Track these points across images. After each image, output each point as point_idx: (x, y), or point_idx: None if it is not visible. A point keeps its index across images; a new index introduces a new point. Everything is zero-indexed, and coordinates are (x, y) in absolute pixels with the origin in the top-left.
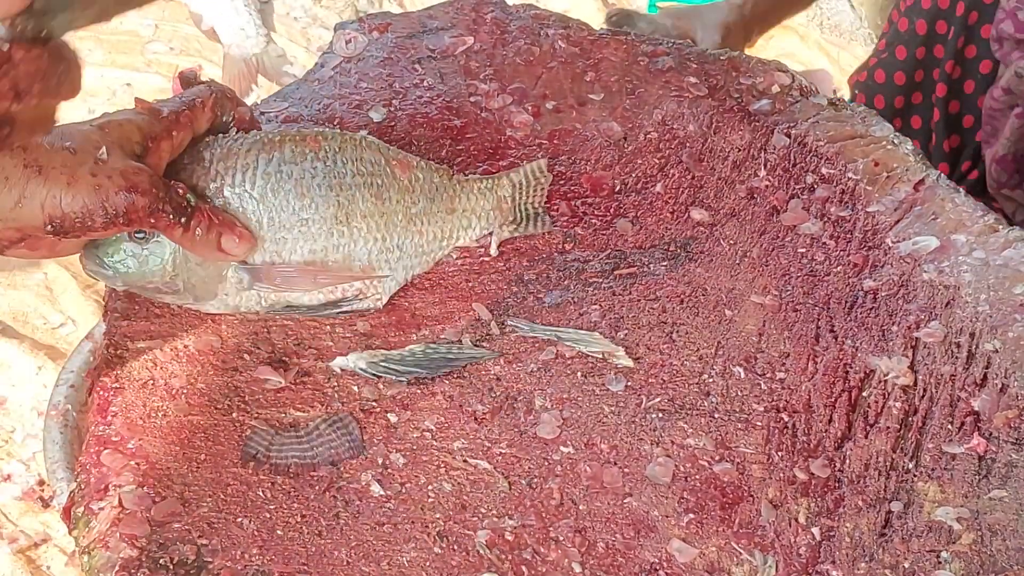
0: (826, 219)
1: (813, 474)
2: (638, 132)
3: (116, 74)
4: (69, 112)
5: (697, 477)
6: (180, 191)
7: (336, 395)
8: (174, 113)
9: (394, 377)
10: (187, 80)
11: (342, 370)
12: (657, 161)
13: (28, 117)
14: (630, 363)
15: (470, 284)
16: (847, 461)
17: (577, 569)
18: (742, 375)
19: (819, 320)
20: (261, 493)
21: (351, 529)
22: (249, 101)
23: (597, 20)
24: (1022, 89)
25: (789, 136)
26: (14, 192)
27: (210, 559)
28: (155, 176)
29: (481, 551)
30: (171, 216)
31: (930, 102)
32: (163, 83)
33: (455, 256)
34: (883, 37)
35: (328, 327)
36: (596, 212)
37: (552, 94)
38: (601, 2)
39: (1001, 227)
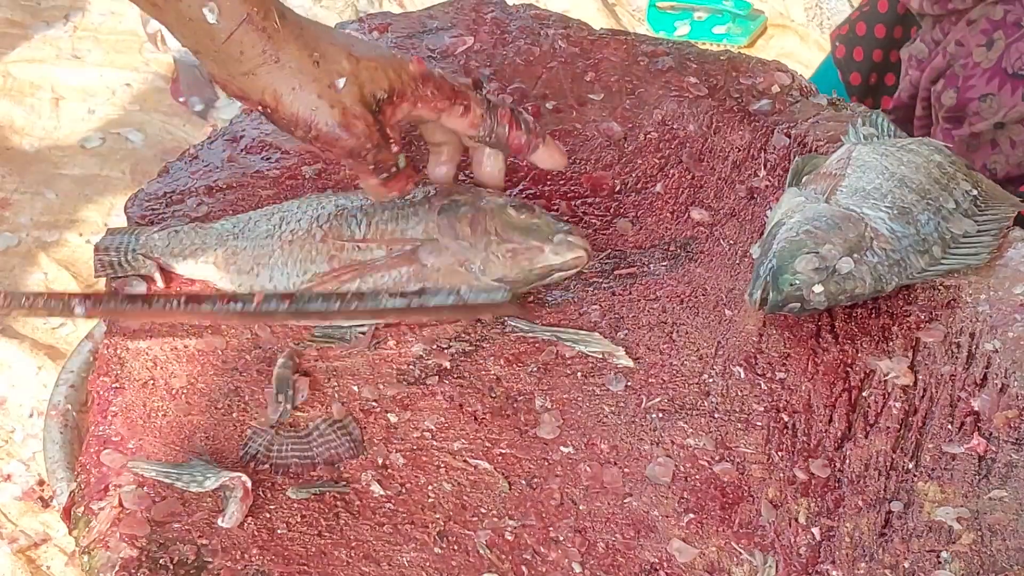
0: None
1: (813, 474)
2: (638, 132)
3: (116, 74)
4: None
5: (697, 477)
6: (394, 150)
7: (336, 395)
8: (434, 90)
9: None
10: (475, 83)
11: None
12: (657, 161)
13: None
14: (630, 363)
15: None
16: (847, 461)
17: (577, 569)
18: (742, 375)
19: (819, 320)
20: (261, 493)
21: (351, 529)
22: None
23: (597, 20)
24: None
25: (789, 136)
26: (244, 65)
27: (210, 559)
28: (372, 128)
29: (481, 551)
30: (370, 167)
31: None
32: (162, 84)
33: None
34: None
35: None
36: (596, 212)
37: (552, 94)
38: (601, 2)
39: None
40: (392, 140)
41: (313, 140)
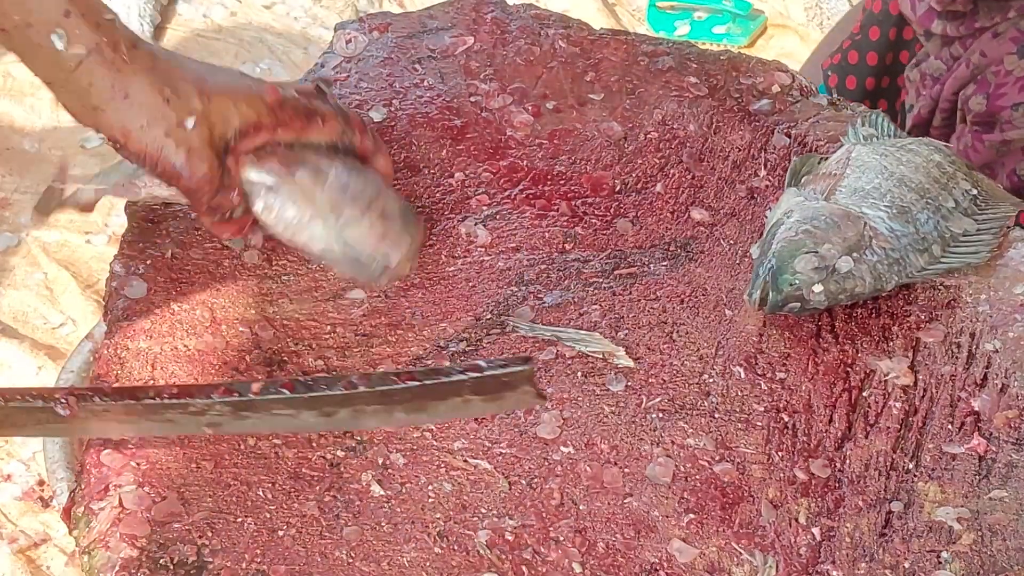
0: None
1: (813, 474)
2: (638, 132)
3: None
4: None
5: (697, 477)
6: (234, 198)
7: None
8: (292, 114)
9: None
10: (325, 83)
11: None
12: (657, 161)
13: None
14: (630, 363)
15: (470, 284)
16: (847, 461)
17: (577, 569)
18: (742, 375)
19: (819, 320)
20: (261, 493)
21: (351, 529)
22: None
23: (597, 20)
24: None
25: (789, 136)
26: (94, 99)
27: (210, 559)
28: (214, 171)
29: (481, 551)
30: (206, 210)
31: (897, 85)
32: None
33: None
34: (858, 20)
35: (328, 327)
36: (596, 212)
37: (552, 94)
38: (601, 2)
39: None
40: (232, 187)
41: (158, 175)
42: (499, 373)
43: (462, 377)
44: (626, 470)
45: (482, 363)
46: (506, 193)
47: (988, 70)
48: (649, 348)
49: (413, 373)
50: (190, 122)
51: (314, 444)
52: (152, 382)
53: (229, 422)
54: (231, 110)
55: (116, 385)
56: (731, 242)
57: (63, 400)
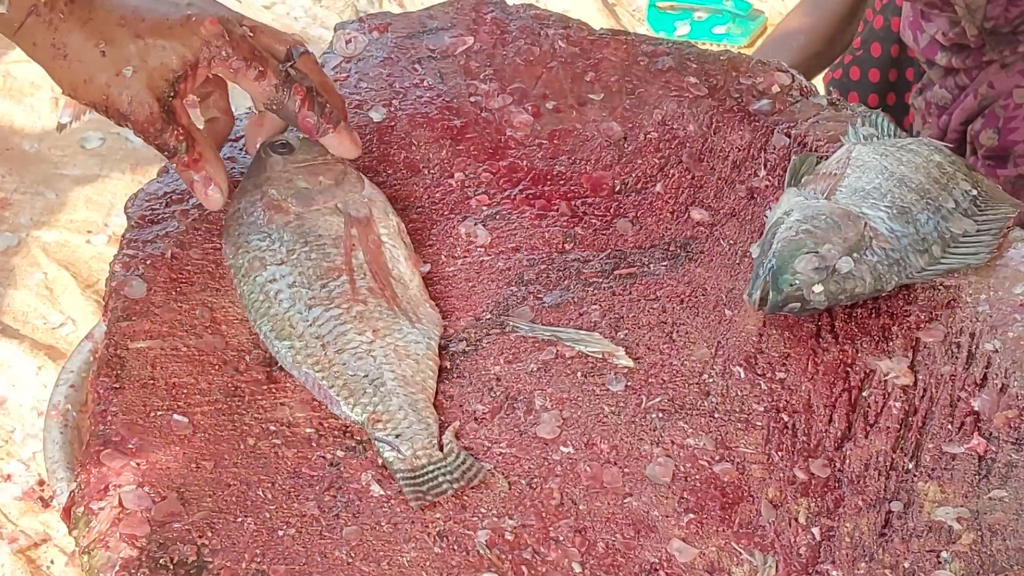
0: None
1: (813, 474)
2: (638, 132)
3: None
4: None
5: (697, 477)
6: (178, 134)
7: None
8: (229, 49)
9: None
10: (287, 55)
11: None
12: (657, 161)
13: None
14: (630, 363)
15: (470, 284)
16: (847, 461)
17: (577, 569)
18: (742, 375)
19: (819, 320)
20: (261, 493)
21: (351, 529)
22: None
23: (597, 20)
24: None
25: (789, 136)
26: (39, 57)
27: (210, 559)
28: (155, 115)
29: (481, 551)
30: (156, 148)
31: (903, 103)
32: None
33: (455, 255)
34: (858, 35)
35: None
36: (596, 212)
37: (552, 94)
38: (601, 2)
39: None
40: (174, 125)
41: (112, 119)
42: None
43: None
44: (626, 470)
45: None
46: (506, 193)
47: (997, 103)
48: (649, 348)
49: None
50: (128, 71)
51: (314, 444)
52: (152, 382)
53: None
54: (167, 51)
55: None
56: (731, 242)
57: None
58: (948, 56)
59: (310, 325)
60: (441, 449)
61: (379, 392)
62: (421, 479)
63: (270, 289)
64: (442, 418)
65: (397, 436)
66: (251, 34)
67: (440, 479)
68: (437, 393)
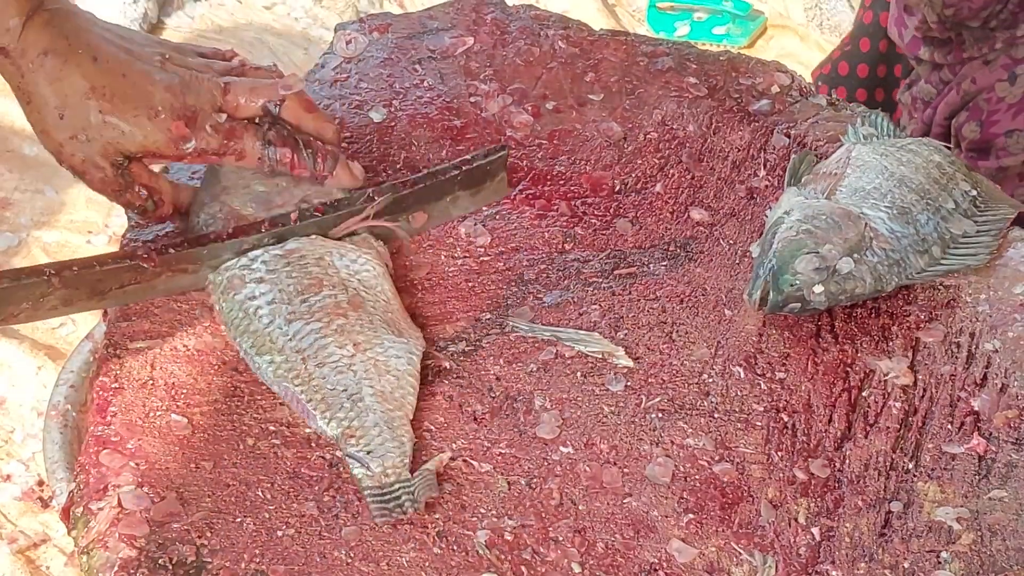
0: None
1: (813, 474)
2: (638, 132)
3: None
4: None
5: (697, 477)
6: (140, 194)
7: None
8: (200, 150)
9: None
10: (264, 111)
11: None
12: (657, 161)
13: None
14: (630, 363)
15: (470, 284)
16: (847, 461)
17: (577, 569)
18: (742, 375)
19: (819, 320)
20: (261, 493)
21: (350, 529)
22: None
23: (597, 20)
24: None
25: (789, 136)
26: (15, 95)
27: (209, 559)
28: (111, 178)
29: (480, 551)
30: (123, 205)
31: (892, 99)
32: None
33: (456, 255)
34: (848, 33)
35: None
36: (596, 212)
37: (552, 94)
38: (601, 2)
39: None
40: (135, 185)
41: (69, 171)
42: (483, 162)
43: (455, 172)
44: (626, 470)
45: (468, 156)
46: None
47: (980, 97)
48: (649, 348)
49: (414, 179)
50: (82, 136)
51: (313, 444)
52: (152, 382)
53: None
54: (127, 135)
55: (184, 237)
56: (731, 242)
57: (145, 255)
58: (930, 51)
59: (290, 339)
60: (412, 473)
61: (356, 407)
62: (388, 497)
63: (249, 306)
64: (441, 419)
65: (368, 452)
66: (220, 120)
67: (403, 498)
68: (436, 394)
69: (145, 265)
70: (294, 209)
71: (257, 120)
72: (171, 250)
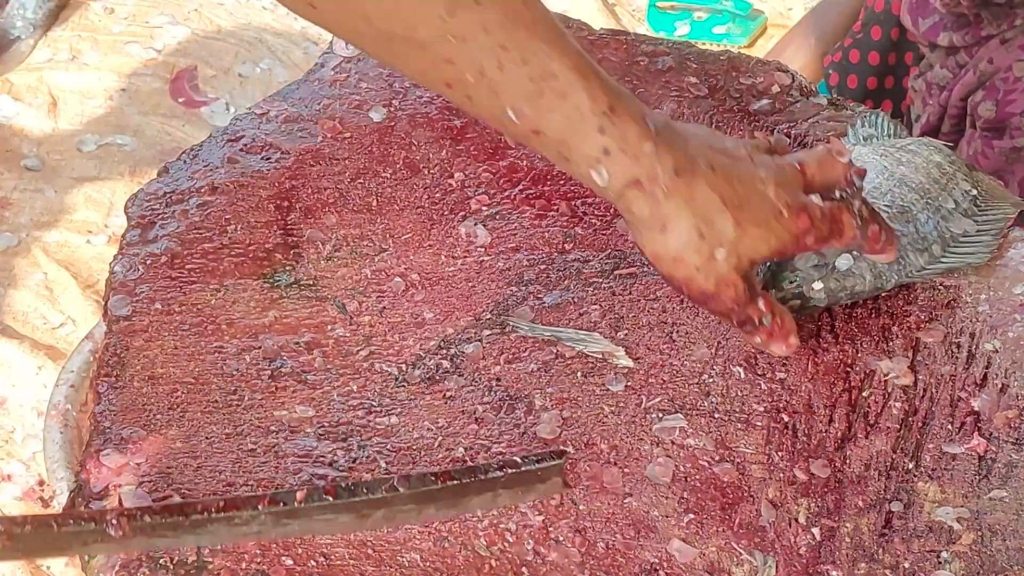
0: None
1: (813, 474)
2: None
3: (114, 75)
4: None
5: (697, 477)
6: (761, 306)
7: (337, 395)
8: (815, 240)
9: None
10: (859, 176)
11: None
12: None
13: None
14: (630, 363)
15: (470, 284)
16: (847, 461)
17: (577, 570)
18: (742, 375)
19: (819, 320)
20: (262, 493)
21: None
22: None
23: (597, 20)
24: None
25: (789, 136)
26: (631, 223)
27: (210, 559)
28: (740, 292)
29: (481, 551)
30: (736, 324)
31: (902, 86)
32: (160, 84)
33: (455, 256)
34: (859, 18)
35: (329, 327)
36: (596, 212)
37: None
38: (601, 2)
39: None
40: (756, 298)
41: (687, 297)
42: (534, 468)
43: (498, 474)
44: (626, 470)
45: (517, 459)
46: (506, 193)
47: (997, 76)
48: (649, 348)
49: (451, 473)
50: (720, 253)
51: (316, 444)
52: (152, 382)
53: (271, 529)
54: (760, 242)
55: (163, 502)
56: None
57: (114, 521)
58: (949, 35)
59: None
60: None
61: None
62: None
63: None
64: (442, 420)
65: None
66: (821, 203)
67: None
68: (436, 394)
69: (112, 532)
70: (300, 487)
71: (840, 195)
72: (145, 517)
